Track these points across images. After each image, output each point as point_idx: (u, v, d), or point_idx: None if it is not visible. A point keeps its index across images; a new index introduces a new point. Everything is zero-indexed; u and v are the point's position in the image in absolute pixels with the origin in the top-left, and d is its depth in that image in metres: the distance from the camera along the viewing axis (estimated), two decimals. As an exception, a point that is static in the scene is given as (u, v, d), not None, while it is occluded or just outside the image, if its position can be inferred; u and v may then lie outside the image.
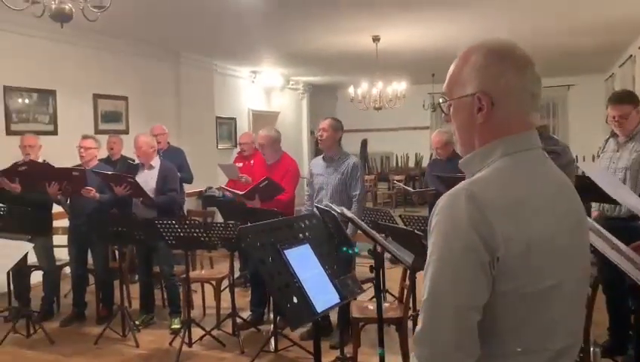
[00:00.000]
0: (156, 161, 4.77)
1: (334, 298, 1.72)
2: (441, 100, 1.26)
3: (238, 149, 8.99)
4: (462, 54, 1.20)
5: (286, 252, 1.64)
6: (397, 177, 12.05)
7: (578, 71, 11.55)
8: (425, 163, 13.74)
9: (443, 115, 1.29)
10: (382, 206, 11.29)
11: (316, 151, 12.77)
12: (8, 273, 4.47)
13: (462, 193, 1.08)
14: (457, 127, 1.23)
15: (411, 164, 13.92)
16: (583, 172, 3.24)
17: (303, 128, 13.15)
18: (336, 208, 2.52)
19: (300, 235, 1.79)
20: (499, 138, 1.14)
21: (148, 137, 4.85)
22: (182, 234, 4.05)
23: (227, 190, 4.96)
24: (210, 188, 8.27)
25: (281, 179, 4.47)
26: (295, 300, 1.57)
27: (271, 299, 4.63)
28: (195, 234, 4.03)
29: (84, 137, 4.96)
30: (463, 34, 7.32)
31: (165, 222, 4.07)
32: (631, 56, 8.46)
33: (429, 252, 1.10)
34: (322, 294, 1.67)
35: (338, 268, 1.83)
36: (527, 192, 1.11)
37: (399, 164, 14.03)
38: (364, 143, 14.02)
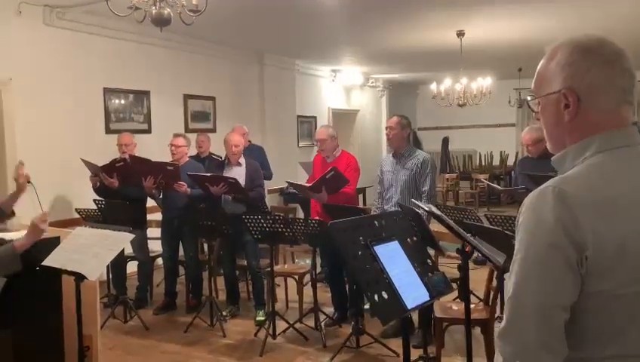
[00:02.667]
0: (242, 158, 4.94)
1: (424, 295, 1.71)
2: (529, 98, 1.27)
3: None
4: (549, 51, 1.19)
5: (375, 248, 1.66)
6: (481, 176, 11.69)
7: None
8: (510, 161, 13.24)
9: (533, 113, 1.28)
10: (464, 205, 11.00)
11: (395, 149, 12.66)
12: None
13: (549, 190, 1.06)
14: (546, 125, 1.21)
15: (496, 162, 13.45)
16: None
17: (382, 126, 13.04)
18: (424, 206, 2.49)
19: (389, 232, 1.80)
20: (591, 135, 1.11)
21: (239, 136, 5.04)
22: (267, 229, 4.17)
23: (294, 184, 4.99)
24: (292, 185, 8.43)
25: (343, 172, 4.46)
26: (385, 296, 1.58)
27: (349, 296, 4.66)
28: (280, 230, 4.14)
29: (176, 136, 5.22)
30: (552, 26, 6.99)
31: (252, 217, 4.21)
32: None
33: (515, 250, 1.09)
34: (412, 291, 1.66)
35: (426, 266, 1.82)
36: (622, 190, 1.06)
37: (483, 163, 13.60)
38: (446, 141, 13.72)
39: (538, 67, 1.20)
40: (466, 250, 2.27)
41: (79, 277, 2.67)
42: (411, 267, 1.74)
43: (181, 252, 5.28)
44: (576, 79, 1.11)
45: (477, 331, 3.93)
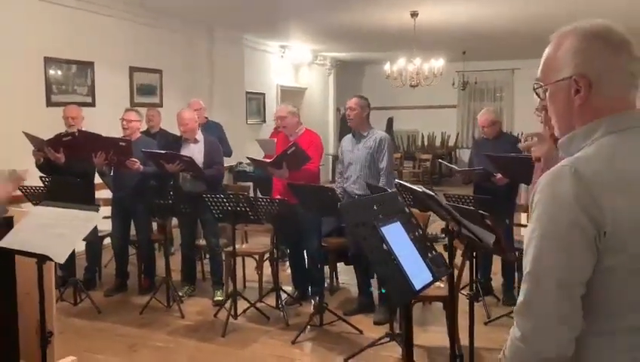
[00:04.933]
0: (200, 135, 4.77)
1: (428, 276, 1.72)
2: (535, 86, 1.27)
3: (266, 125, 8.96)
4: (555, 39, 1.20)
5: (382, 228, 1.64)
6: (424, 156, 11.95)
7: None
8: (451, 142, 13.62)
9: (538, 100, 1.29)
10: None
11: (341, 127, 12.67)
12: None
13: (566, 169, 1.08)
14: (555, 112, 1.22)
15: (437, 142, 13.80)
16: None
17: (329, 105, 13.07)
18: (417, 188, 2.50)
19: (391, 212, 1.78)
20: (600, 117, 1.14)
21: (191, 112, 4.85)
22: (229, 209, 4.07)
23: (254, 160, 4.84)
24: (241, 163, 8.28)
25: (305, 150, 4.42)
26: (394, 277, 1.57)
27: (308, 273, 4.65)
28: (243, 209, 4.05)
29: (128, 110, 4.97)
30: (497, 11, 7.17)
31: (213, 196, 4.09)
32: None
33: (530, 228, 1.11)
34: (417, 272, 1.66)
35: (425, 245, 1.82)
36: (635, 167, 1.09)
37: (425, 143, 13.91)
38: (390, 121, 13.90)
39: (544, 55, 1.21)
40: (450, 228, 2.30)
41: (42, 260, 2.50)
42: (414, 248, 1.74)
43: (132, 231, 5.08)
44: (587, 65, 1.13)
45: (437, 306, 4.08)
